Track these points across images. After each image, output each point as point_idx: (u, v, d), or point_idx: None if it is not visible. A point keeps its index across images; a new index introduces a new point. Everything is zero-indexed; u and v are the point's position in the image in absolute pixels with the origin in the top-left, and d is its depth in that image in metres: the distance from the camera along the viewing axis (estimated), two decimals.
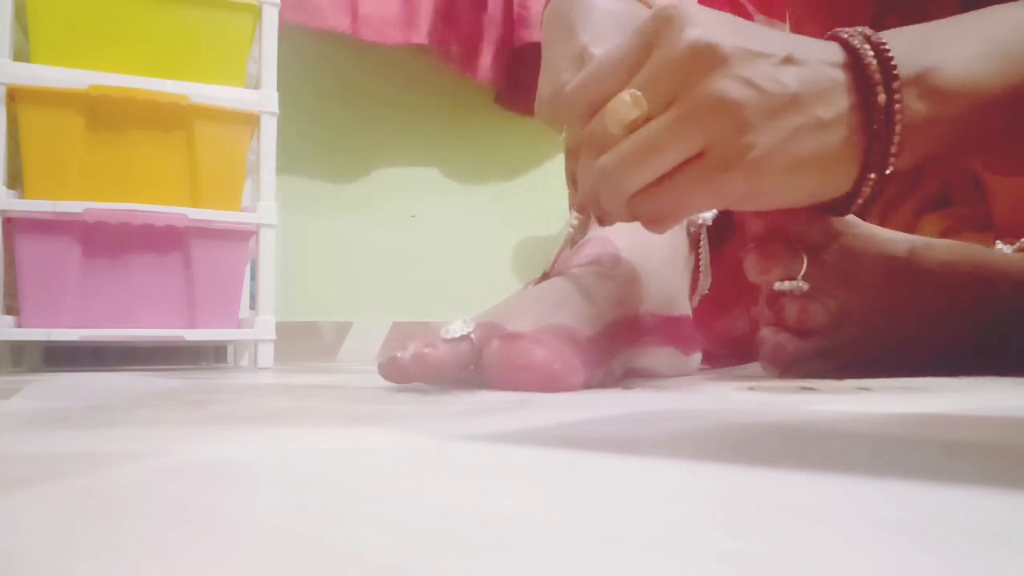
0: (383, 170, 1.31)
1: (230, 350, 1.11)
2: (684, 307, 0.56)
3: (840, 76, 0.40)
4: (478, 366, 0.44)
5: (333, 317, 1.25)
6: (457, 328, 0.43)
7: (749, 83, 0.38)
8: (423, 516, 0.15)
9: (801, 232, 0.50)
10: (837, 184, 0.42)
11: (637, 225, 0.43)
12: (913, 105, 0.40)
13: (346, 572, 0.11)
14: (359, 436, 0.27)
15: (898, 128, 0.40)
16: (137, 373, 0.75)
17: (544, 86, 0.58)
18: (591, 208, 0.45)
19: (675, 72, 0.38)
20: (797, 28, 0.68)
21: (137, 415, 0.35)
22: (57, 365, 0.97)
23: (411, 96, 1.32)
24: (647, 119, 0.39)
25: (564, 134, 0.56)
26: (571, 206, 0.56)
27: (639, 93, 0.39)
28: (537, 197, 1.42)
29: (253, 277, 0.96)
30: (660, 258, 0.54)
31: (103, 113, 0.83)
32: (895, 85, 0.39)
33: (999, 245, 0.57)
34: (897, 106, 0.39)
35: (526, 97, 1.30)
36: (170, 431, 0.29)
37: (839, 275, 0.50)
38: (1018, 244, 0.56)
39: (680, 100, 0.39)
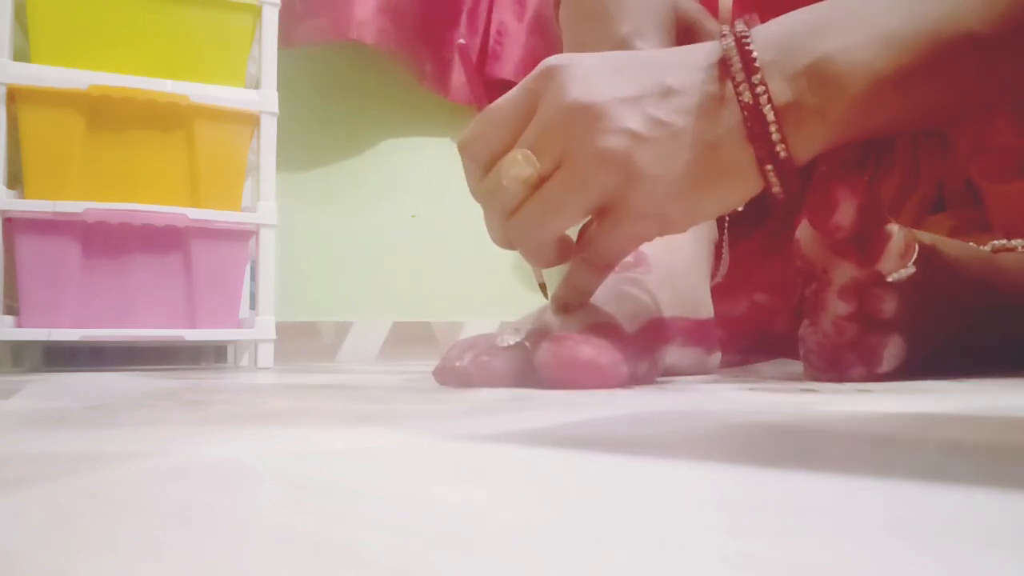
0: (383, 170, 1.31)
1: (230, 350, 1.11)
2: (708, 310, 0.59)
3: (716, 89, 0.40)
4: (531, 368, 0.46)
5: (333, 317, 1.25)
6: (509, 338, 0.47)
7: (630, 134, 0.40)
8: (423, 516, 0.15)
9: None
10: (747, 185, 0.41)
11: None
12: (802, 93, 0.40)
13: (346, 572, 0.11)
14: (359, 436, 0.27)
15: (770, 115, 0.39)
16: (137, 373, 0.75)
17: None
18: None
19: (558, 132, 0.40)
20: None
21: (137, 415, 0.35)
22: (57, 365, 0.97)
23: (411, 96, 1.32)
24: (541, 177, 0.41)
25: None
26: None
27: (528, 152, 0.41)
28: None
29: (253, 277, 0.96)
30: (686, 265, 0.56)
31: (103, 113, 0.83)
32: (755, 79, 0.40)
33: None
34: (760, 88, 0.39)
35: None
36: (170, 431, 0.29)
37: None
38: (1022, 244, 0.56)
39: (567, 160, 0.40)
